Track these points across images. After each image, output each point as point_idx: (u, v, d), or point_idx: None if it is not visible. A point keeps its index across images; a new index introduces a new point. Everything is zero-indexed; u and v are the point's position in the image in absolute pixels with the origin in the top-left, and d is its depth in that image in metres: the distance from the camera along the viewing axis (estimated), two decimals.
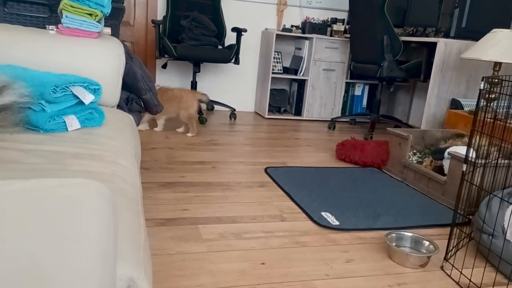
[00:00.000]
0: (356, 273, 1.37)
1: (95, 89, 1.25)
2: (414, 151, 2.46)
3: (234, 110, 3.67)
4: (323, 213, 1.79)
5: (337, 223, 1.71)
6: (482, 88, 1.40)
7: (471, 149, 1.46)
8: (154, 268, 1.28)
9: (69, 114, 1.17)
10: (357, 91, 4.08)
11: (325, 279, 1.32)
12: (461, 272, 1.40)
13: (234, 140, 2.96)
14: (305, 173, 2.32)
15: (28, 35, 1.45)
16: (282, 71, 3.88)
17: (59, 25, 1.52)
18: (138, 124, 1.82)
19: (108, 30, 1.84)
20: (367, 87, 4.10)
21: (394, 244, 1.54)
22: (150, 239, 1.46)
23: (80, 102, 1.21)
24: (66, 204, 0.55)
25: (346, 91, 4.01)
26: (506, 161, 1.87)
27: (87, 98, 1.21)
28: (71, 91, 1.18)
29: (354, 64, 3.55)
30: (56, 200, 0.55)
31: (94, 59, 1.47)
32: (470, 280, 1.37)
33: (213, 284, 1.23)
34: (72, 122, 1.17)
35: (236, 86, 4.04)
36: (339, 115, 3.98)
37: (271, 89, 3.84)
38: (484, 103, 2.27)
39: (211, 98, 3.77)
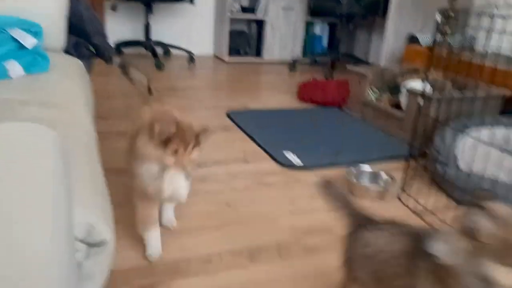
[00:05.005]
0: (320, 209, 1.41)
1: (36, 32, 1.15)
2: (373, 88, 2.49)
3: (193, 54, 3.53)
4: (286, 154, 1.81)
5: (300, 162, 1.74)
6: (438, 21, 1.41)
7: (427, 84, 1.49)
8: (116, 218, 1.27)
9: (9, 59, 1.07)
10: (318, 31, 4.02)
11: (289, 216, 1.36)
12: (416, 201, 1.48)
13: (194, 85, 2.88)
14: (267, 115, 2.32)
15: None
16: (240, 11, 3.73)
17: None
18: (89, 71, 1.72)
19: None
20: (327, 27, 4.04)
21: (354, 179, 1.59)
22: (108, 189, 1.43)
23: (22, 47, 1.12)
24: (14, 148, 0.51)
25: (307, 32, 3.95)
26: (459, 94, 1.93)
27: (29, 41, 1.11)
28: (9, 34, 1.08)
29: (315, 1, 3.47)
30: (3, 144, 0.51)
31: None
32: (423, 206, 1.45)
33: (180, 227, 1.24)
34: (14, 68, 1.08)
35: (193, 28, 3.86)
36: (300, 55, 3.94)
37: (230, 31, 3.71)
38: (440, 37, 2.30)
39: (166, 42, 3.60)
